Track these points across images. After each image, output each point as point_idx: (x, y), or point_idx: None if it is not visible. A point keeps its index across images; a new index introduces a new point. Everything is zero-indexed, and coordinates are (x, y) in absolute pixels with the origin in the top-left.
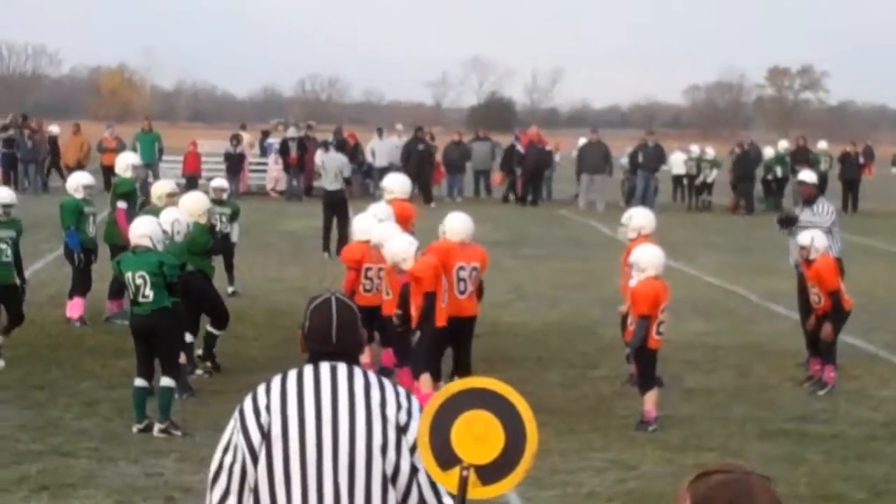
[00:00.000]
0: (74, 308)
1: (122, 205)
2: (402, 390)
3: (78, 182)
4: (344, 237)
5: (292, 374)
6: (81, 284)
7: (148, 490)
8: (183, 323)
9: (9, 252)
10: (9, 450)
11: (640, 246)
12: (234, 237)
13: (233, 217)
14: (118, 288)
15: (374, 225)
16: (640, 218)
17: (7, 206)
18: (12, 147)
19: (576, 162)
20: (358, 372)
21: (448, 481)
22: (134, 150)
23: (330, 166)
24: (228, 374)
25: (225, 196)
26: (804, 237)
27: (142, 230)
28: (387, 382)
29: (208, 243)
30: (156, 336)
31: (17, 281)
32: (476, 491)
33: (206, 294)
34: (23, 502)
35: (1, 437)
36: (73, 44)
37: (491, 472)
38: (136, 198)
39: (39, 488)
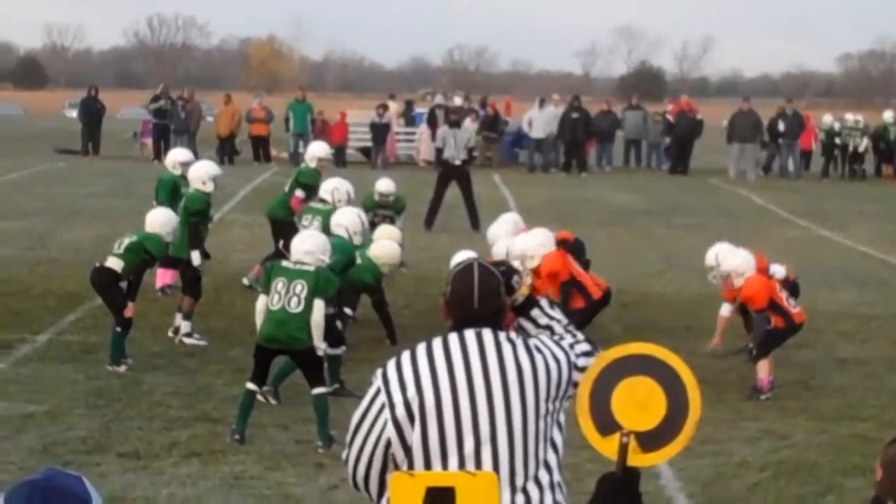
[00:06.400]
0: (163, 277)
1: (300, 193)
2: (549, 348)
3: (174, 159)
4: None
5: (437, 344)
6: None
7: (297, 457)
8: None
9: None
10: (160, 416)
11: (725, 252)
12: (399, 224)
13: (398, 213)
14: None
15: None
16: (732, 260)
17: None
18: (164, 118)
19: (726, 131)
20: (503, 337)
21: (607, 448)
22: (286, 119)
23: (456, 138)
24: (377, 342)
25: (391, 199)
26: None
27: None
28: (531, 343)
29: (367, 288)
30: None
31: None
32: (636, 458)
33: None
34: (173, 468)
35: (152, 403)
36: (223, 15)
37: (652, 440)
38: (315, 192)
39: (190, 454)
